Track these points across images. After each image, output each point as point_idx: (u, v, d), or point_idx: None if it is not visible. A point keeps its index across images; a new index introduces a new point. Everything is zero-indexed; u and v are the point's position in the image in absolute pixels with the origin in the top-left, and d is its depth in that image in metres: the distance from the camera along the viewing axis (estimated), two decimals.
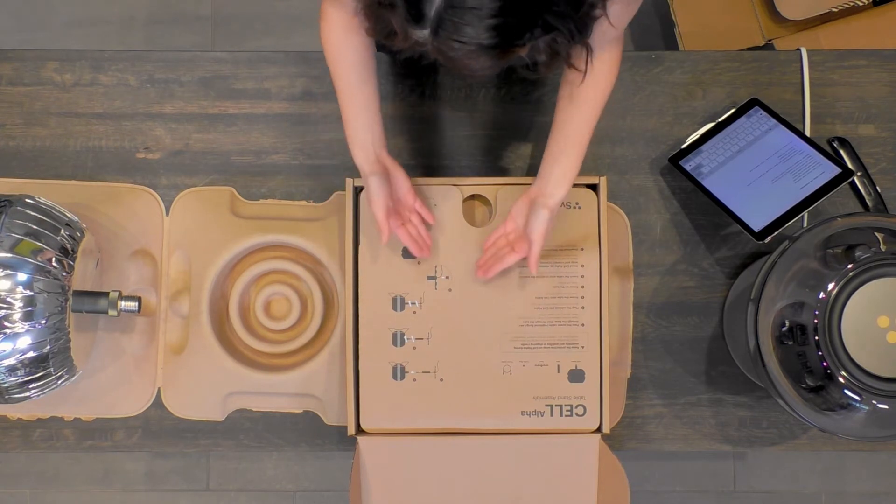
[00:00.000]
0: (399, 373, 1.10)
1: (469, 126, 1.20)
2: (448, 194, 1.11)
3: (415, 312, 1.10)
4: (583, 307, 1.10)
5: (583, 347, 1.10)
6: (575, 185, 1.11)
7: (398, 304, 1.10)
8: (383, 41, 0.79)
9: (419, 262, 1.10)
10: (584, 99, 1.00)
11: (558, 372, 1.10)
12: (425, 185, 1.11)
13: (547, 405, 1.09)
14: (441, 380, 1.09)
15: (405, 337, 1.10)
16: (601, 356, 1.10)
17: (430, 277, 1.10)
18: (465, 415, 1.09)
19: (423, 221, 1.07)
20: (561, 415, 1.09)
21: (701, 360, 1.18)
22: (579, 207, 1.11)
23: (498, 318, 1.10)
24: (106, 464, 1.89)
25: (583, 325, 1.10)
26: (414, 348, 1.10)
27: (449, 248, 1.11)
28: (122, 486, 1.90)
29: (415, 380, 1.10)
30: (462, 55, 0.71)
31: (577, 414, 1.09)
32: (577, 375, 1.09)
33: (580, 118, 1.00)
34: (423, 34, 0.71)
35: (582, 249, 1.11)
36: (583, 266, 1.10)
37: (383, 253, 1.10)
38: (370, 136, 1.00)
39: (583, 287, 1.10)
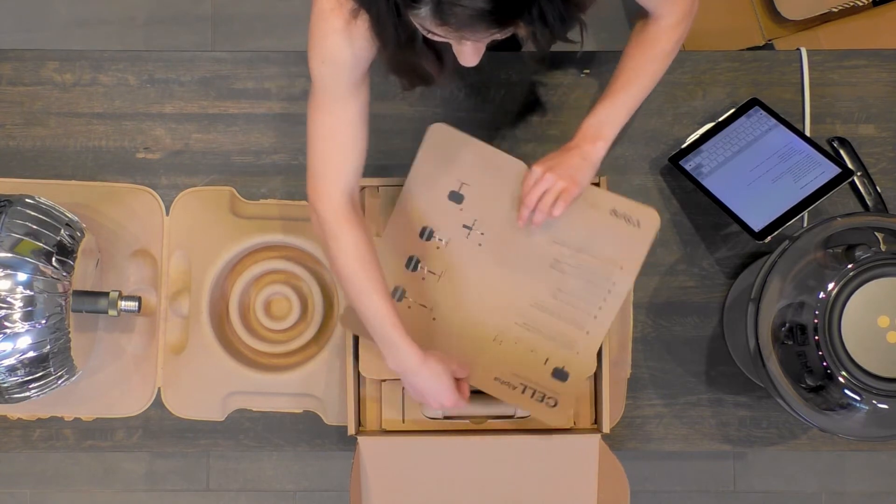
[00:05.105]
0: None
1: (469, 126, 1.20)
2: (514, 167, 1.09)
3: (438, 248, 1.10)
4: (595, 317, 1.09)
5: (577, 353, 1.08)
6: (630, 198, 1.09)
7: (426, 235, 1.10)
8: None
9: (462, 209, 1.10)
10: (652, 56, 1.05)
11: (545, 364, 1.08)
12: (496, 155, 1.10)
13: (522, 383, 1.08)
14: (434, 318, 1.09)
15: (420, 269, 1.10)
16: (601, 356, 1.09)
17: (465, 226, 1.10)
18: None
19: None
20: (532, 397, 1.08)
21: (701, 360, 1.18)
22: (638, 226, 1.09)
23: (513, 289, 1.09)
24: (106, 464, 1.89)
25: (587, 332, 1.09)
26: (423, 279, 1.09)
27: (496, 212, 1.09)
28: (122, 486, 1.89)
29: None
30: (462, 21, 0.73)
31: (547, 403, 1.07)
32: (560, 374, 1.08)
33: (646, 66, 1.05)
34: (422, 12, 0.73)
35: (621, 268, 1.08)
36: (614, 283, 1.08)
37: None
38: (402, 330, 0.98)
39: (605, 300, 1.08)
